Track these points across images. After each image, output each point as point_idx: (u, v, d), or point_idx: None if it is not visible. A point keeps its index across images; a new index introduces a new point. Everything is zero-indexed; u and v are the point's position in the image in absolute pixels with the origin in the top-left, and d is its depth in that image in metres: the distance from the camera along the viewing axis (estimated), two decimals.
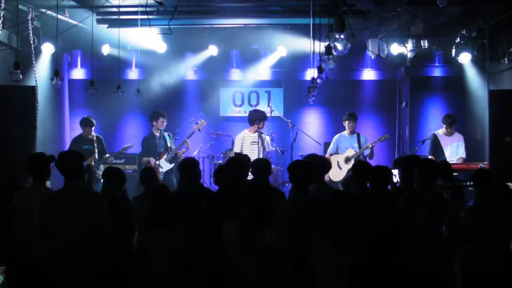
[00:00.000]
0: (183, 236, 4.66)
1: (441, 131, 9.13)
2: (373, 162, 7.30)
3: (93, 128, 9.05)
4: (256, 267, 4.16)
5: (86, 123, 9.04)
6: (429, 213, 4.88)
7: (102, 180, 5.56)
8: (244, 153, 8.22)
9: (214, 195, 5.24)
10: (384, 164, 5.40)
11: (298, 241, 4.26)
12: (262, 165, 5.52)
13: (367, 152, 8.84)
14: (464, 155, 9.00)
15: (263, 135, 9.02)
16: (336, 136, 9.17)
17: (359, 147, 8.84)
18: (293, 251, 4.30)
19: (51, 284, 4.36)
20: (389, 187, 5.26)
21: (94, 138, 9.00)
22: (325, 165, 5.78)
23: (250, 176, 5.83)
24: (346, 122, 9.04)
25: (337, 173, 8.69)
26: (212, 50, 10.87)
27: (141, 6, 7.85)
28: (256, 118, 8.93)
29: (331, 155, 9.00)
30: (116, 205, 4.79)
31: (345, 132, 9.08)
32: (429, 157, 8.87)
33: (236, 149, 8.94)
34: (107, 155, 9.04)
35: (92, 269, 4.29)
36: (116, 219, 4.54)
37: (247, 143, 8.92)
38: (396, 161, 6.36)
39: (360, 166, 5.48)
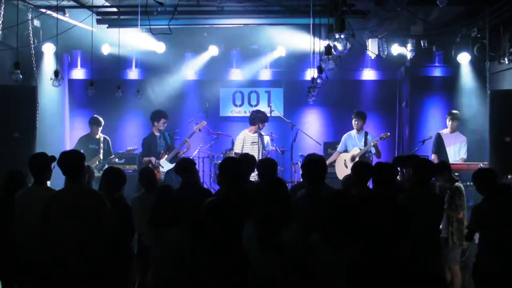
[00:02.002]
0: (186, 237, 4.64)
1: (445, 131, 9.24)
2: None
3: (100, 128, 9.26)
4: (273, 266, 4.10)
5: (94, 122, 9.26)
6: (426, 213, 4.87)
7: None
8: (246, 153, 8.21)
9: (215, 195, 5.23)
10: None
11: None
12: (268, 166, 5.54)
13: (374, 150, 8.88)
14: (465, 156, 9.05)
15: (263, 135, 9.04)
16: (344, 135, 9.26)
17: (365, 145, 8.89)
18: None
19: (51, 284, 4.36)
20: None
21: (102, 138, 9.22)
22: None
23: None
24: (353, 120, 9.13)
25: (343, 172, 8.74)
26: (212, 50, 10.86)
27: (141, 6, 7.85)
28: (257, 119, 8.95)
29: (339, 153, 9.08)
30: (116, 205, 4.79)
31: (353, 131, 9.16)
32: (432, 156, 8.98)
33: (237, 149, 8.97)
34: (112, 156, 9.16)
35: (93, 269, 4.29)
36: (116, 220, 4.54)
37: (248, 144, 8.95)
38: (395, 160, 6.36)
39: (359, 166, 5.48)
